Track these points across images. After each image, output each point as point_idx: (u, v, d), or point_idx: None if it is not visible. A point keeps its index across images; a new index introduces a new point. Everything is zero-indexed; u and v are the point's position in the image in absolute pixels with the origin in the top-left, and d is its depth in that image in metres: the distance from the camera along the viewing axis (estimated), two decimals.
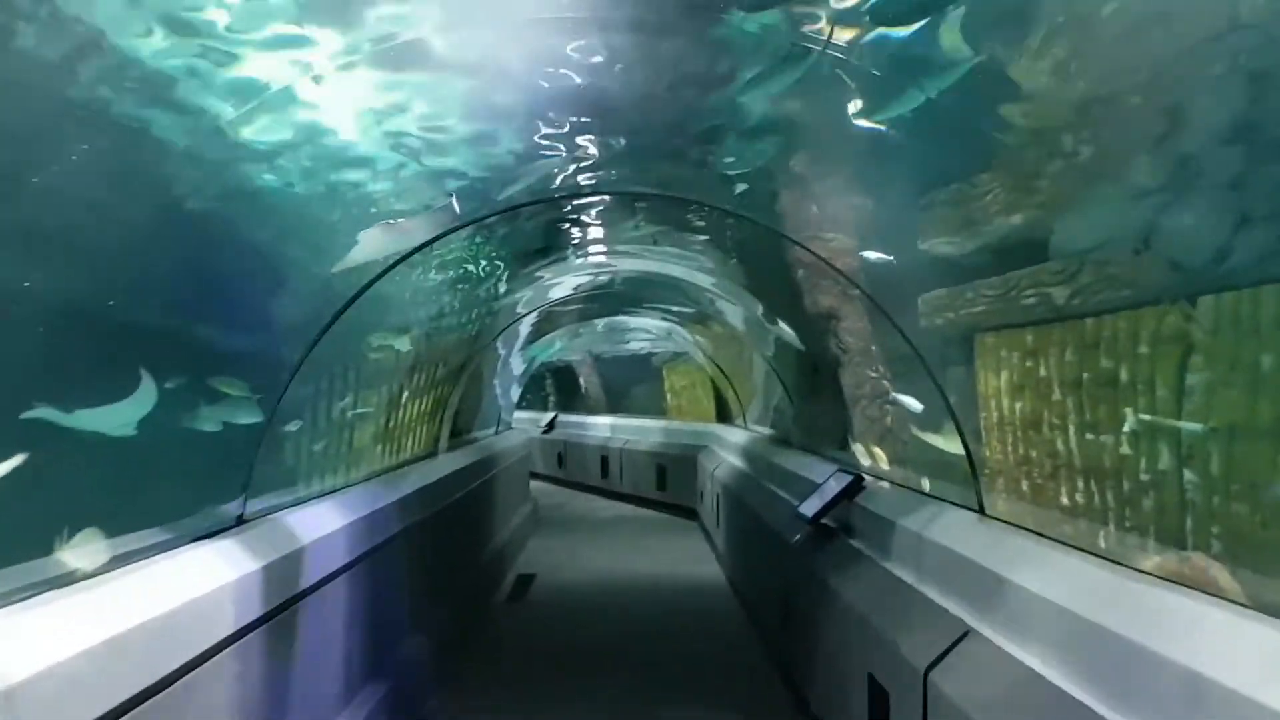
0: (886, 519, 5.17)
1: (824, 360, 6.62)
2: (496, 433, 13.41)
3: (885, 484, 5.74)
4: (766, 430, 11.18)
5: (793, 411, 9.16)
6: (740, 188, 4.98)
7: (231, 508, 4.54)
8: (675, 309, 12.14)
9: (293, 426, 5.16)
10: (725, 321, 11.06)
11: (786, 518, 7.27)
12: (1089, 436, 3.80)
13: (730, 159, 4.68)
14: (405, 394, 7.78)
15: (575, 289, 11.04)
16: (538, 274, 8.89)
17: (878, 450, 6.02)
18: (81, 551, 3.40)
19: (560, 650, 8.04)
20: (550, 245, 7.82)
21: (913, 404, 4.97)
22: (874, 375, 5.78)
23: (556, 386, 21.47)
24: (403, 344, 6.25)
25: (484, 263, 7.12)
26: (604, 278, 10.30)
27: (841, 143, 4.35)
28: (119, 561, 3.52)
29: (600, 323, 14.95)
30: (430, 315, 7.21)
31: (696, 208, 5.93)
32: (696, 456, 14.45)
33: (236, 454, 4.56)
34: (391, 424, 7.70)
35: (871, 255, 4.81)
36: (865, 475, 5.94)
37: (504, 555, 11.25)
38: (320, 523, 5.14)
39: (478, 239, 6.35)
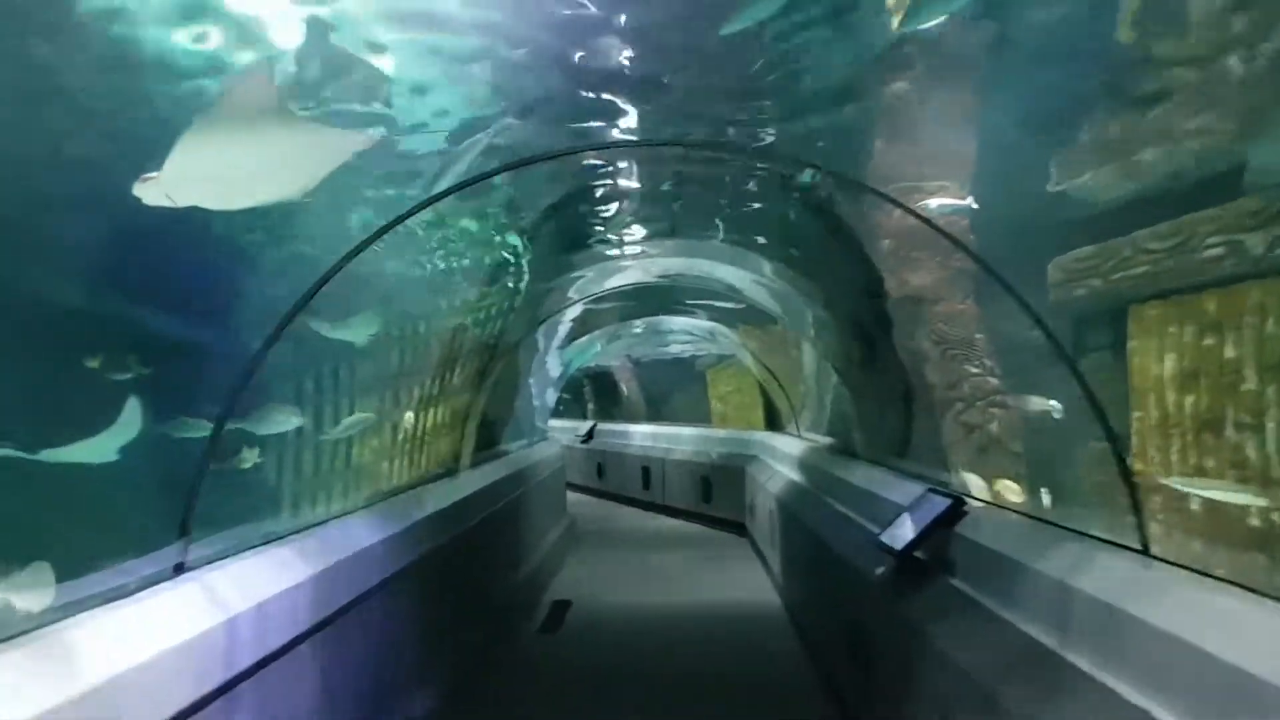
0: (1005, 557, 4.04)
1: (905, 356, 5.49)
2: (530, 444, 12.41)
3: (995, 510, 4.59)
4: (824, 439, 10.03)
5: (857, 417, 8.02)
6: (816, 127, 3.86)
7: (165, 554, 3.55)
8: (719, 305, 11.10)
9: (254, 447, 4.17)
10: (776, 317, 9.98)
11: (858, 544, 6.15)
12: None
13: (805, 91, 3.58)
14: (418, 401, 6.78)
15: (610, 284, 10.06)
16: (568, 261, 7.87)
17: (980, 465, 4.88)
18: None
19: (597, 691, 6.98)
20: (580, 224, 6.78)
21: (1049, 407, 3.84)
22: (976, 371, 4.66)
23: (595, 393, 20.53)
24: (365, 333, 5.09)
25: (501, 241, 6.08)
26: (642, 268, 9.27)
27: (949, 59, 3.26)
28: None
29: (639, 323, 14.05)
30: (439, 308, 6.21)
31: (751, 168, 4.84)
32: (745, 468, 13.35)
33: (170, 480, 3.57)
34: (401, 438, 6.72)
35: (985, 207, 3.69)
36: (966, 498, 4.80)
37: (537, 580, 10.23)
38: (289, 567, 4.13)
39: (492, 211, 5.32)
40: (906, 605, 4.89)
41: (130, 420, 3.30)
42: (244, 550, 4.06)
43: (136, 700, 2.75)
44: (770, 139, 3.98)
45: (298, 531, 4.68)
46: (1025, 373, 4.37)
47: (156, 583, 3.42)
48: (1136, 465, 3.59)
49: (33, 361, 3.06)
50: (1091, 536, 3.74)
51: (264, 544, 4.26)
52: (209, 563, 3.77)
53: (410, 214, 4.23)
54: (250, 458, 4.60)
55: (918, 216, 3.78)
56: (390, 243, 4.30)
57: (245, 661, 3.42)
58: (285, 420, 4.73)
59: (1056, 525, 4.04)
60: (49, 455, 3.08)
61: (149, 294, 3.41)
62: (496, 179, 5.04)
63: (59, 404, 3.24)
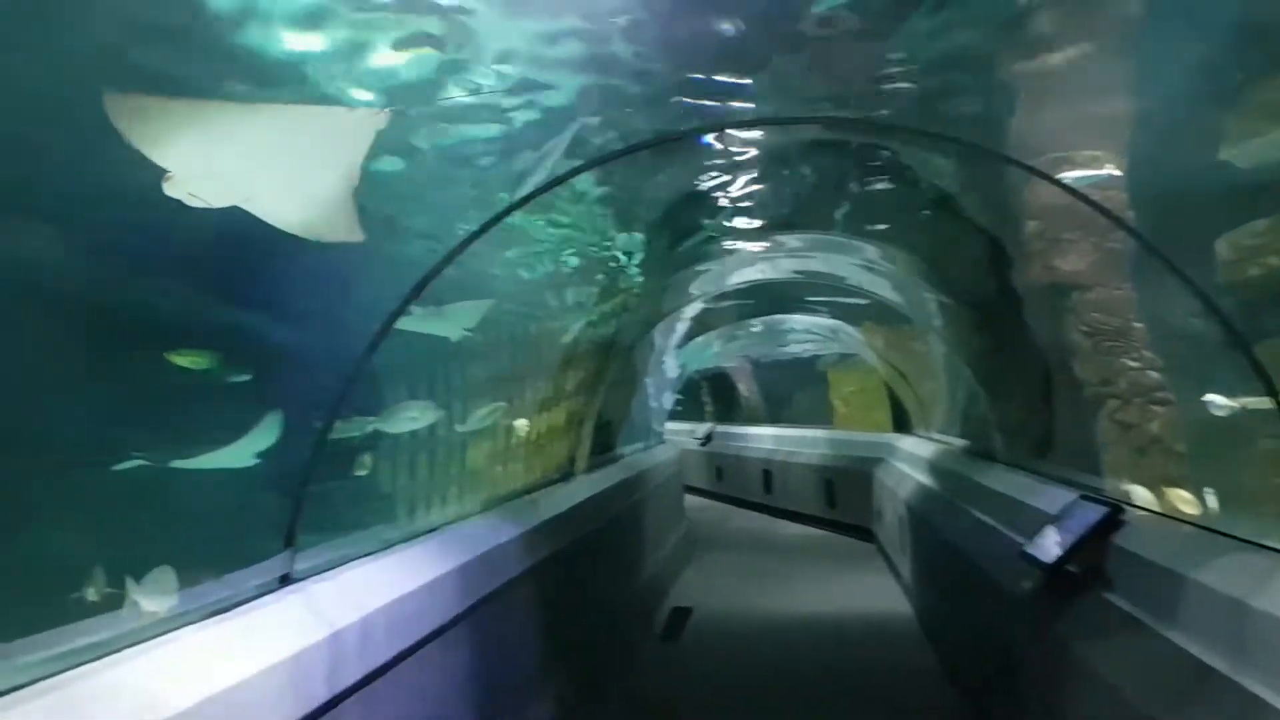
0: (1170, 571, 3.58)
1: (1053, 349, 5.02)
2: (646, 447, 12.23)
3: (1158, 518, 4.11)
4: (957, 440, 9.48)
5: (995, 417, 7.50)
6: (951, 95, 3.50)
7: (270, 565, 3.48)
8: (841, 302, 10.68)
9: (365, 450, 4.10)
10: (902, 312, 9.49)
11: (1000, 555, 5.69)
12: None
13: (935, 53, 3.23)
14: (531, 404, 6.68)
15: (729, 282, 9.80)
16: (684, 257, 7.64)
17: (1139, 469, 4.40)
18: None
19: (720, 703, 6.72)
20: (696, 220, 6.54)
21: (1236, 406, 3.38)
22: (1134, 365, 4.19)
23: (713, 395, 20.23)
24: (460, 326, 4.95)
25: (614, 238, 5.89)
26: (761, 264, 8.98)
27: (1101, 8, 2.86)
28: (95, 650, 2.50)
29: (757, 322, 13.70)
30: (550, 307, 6.07)
31: (872, 153, 4.50)
32: (871, 471, 12.83)
33: (270, 488, 3.51)
34: (515, 441, 6.62)
35: (1145, 178, 3.26)
36: (1124, 505, 4.32)
37: (656, 586, 10.04)
38: (400, 576, 4.03)
39: (598, 203, 5.13)
40: (1058, 622, 4.45)
41: (269, 426, 3.30)
42: (354, 559, 3.98)
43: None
44: (898, 109, 3.64)
45: (410, 538, 4.60)
46: (1191, 365, 3.89)
47: (262, 595, 3.35)
48: None
49: (148, 368, 3.04)
50: (1269, 548, 3.27)
51: (375, 552, 4.18)
52: (318, 573, 3.70)
53: (517, 206, 4.06)
54: (366, 464, 4.54)
55: (1069, 190, 3.36)
56: (495, 239, 4.15)
57: (351, 678, 3.31)
58: (417, 417, 4.64)
59: (1229, 536, 3.56)
60: (188, 463, 3.08)
61: (255, 299, 3.37)
62: (605, 173, 4.87)
63: (173, 411, 3.21)
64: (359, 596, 3.68)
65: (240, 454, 3.36)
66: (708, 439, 19.48)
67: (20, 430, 2.48)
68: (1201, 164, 2.89)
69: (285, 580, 3.55)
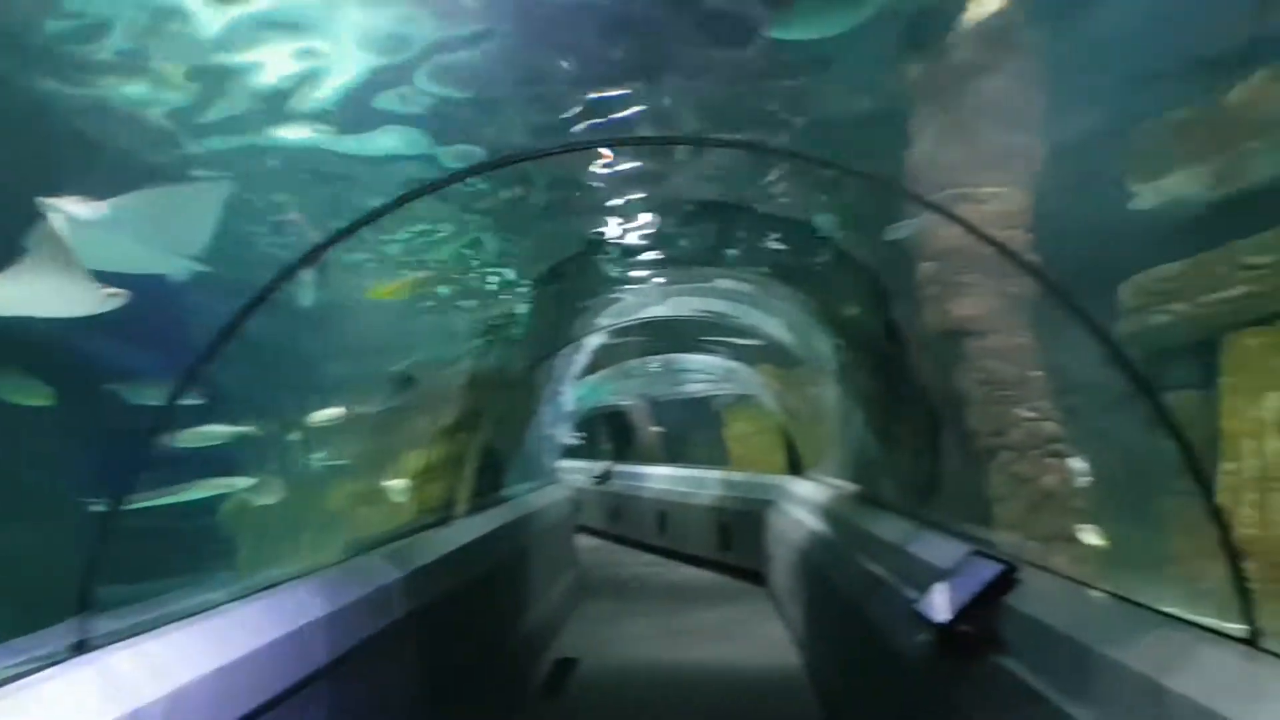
0: (1072, 639, 3.36)
1: (945, 396, 4.85)
2: (537, 487, 11.77)
3: (1057, 579, 3.92)
4: (850, 485, 9.34)
5: (886, 463, 7.35)
6: (844, 122, 3.28)
7: (62, 631, 2.96)
8: (737, 342, 10.55)
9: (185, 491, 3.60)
10: (796, 354, 9.38)
11: (889, 608, 5.47)
12: None
13: (829, 73, 3.00)
14: (401, 442, 6.22)
15: (624, 318, 9.56)
16: (576, 291, 7.36)
17: (1034, 525, 4.22)
18: None
19: None
20: (589, 247, 6.26)
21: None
22: (1030, 416, 4.01)
23: (611, 433, 19.89)
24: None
25: (490, 269, 5.55)
26: (655, 302, 8.78)
27: (1004, 36, 2.67)
28: None
29: (656, 361, 13.52)
30: (423, 337, 5.66)
31: (768, 188, 4.28)
32: (764, 513, 12.64)
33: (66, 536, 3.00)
34: (382, 483, 6.14)
35: (1052, 216, 3.08)
36: (1018, 564, 4.12)
37: (540, 636, 9.55)
38: (221, 643, 3.52)
39: (473, 233, 4.77)
40: (954, 689, 4.21)
41: None
42: (174, 621, 3.46)
43: None
44: (791, 134, 3.41)
45: (248, 594, 4.08)
46: (1089, 416, 3.73)
47: (46, 666, 2.83)
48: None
49: None
50: (1179, 619, 3.08)
51: (201, 612, 3.66)
52: (125, 638, 3.18)
53: (375, 217, 3.64)
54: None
55: (971, 229, 3.16)
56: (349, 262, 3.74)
57: None
58: (215, 434, 4.17)
59: (1134, 603, 3.36)
60: None
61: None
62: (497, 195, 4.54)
63: None
64: (170, 666, 3.17)
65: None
66: (605, 477, 19.10)
67: None
68: (1109, 204, 2.72)
69: (80, 648, 3.03)
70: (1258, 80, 2.45)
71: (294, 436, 5.15)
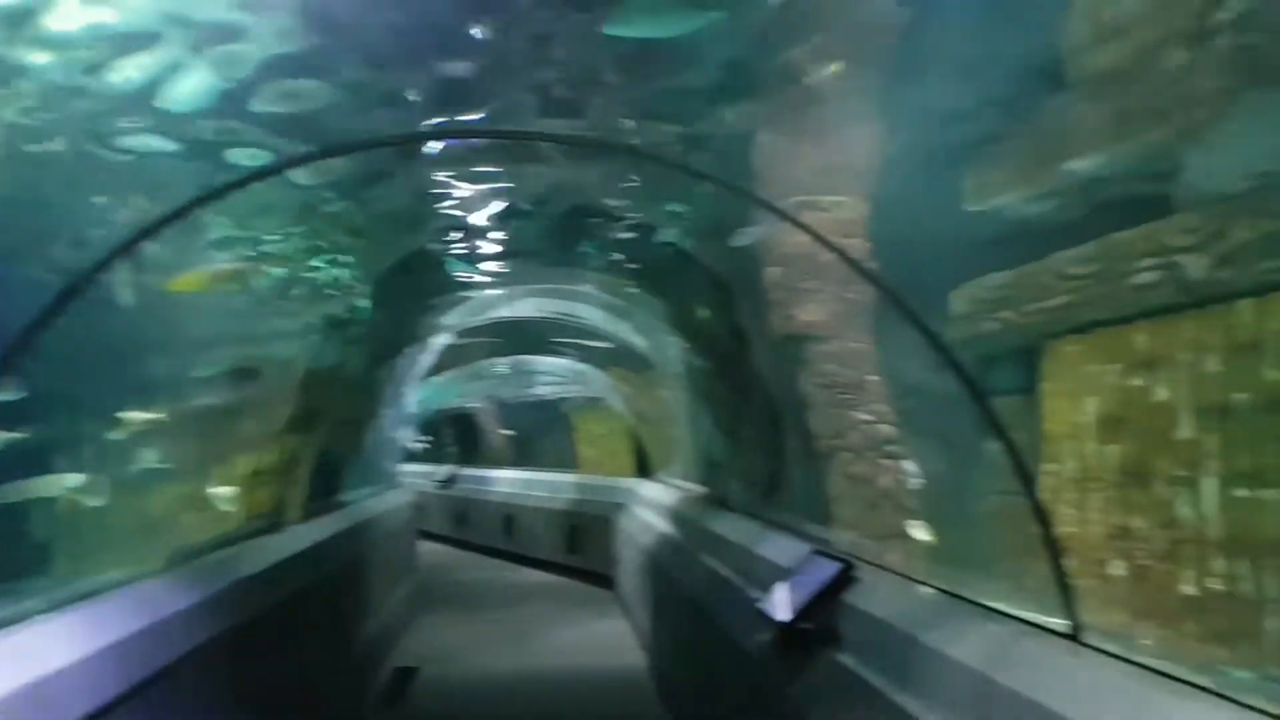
0: (904, 634, 3.47)
1: (787, 399, 4.94)
2: (376, 492, 11.36)
3: (890, 576, 4.04)
4: (697, 487, 9.45)
5: (732, 465, 7.47)
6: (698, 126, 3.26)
7: None
8: (587, 345, 10.52)
9: None
10: (646, 358, 9.42)
11: (733, 607, 5.54)
12: (1245, 496, 2.46)
13: (681, 76, 2.98)
14: (231, 445, 5.83)
15: (470, 319, 9.36)
16: (419, 288, 7.13)
17: (869, 524, 4.34)
18: None
19: None
20: (431, 250, 6.08)
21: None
22: (866, 419, 4.12)
23: (457, 436, 19.47)
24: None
25: (329, 262, 5.28)
26: (502, 303, 8.63)
27: (851, 37, 2.73)
28: None
29: (504, 363, 13.32)
30: (252, 333, 5.33)
31: (620, 192, 4.24)
32: (612, 517, 12.65)
33: None
34: (209, 488, 5.74)
35: (890, 227, 3.17)
36: (856, 561, 4.23)
37: (380, 645, 9.20)
38: (29, 659, 3.16)
39: (312, 224, 4.52)
40: (791, 684, 4.28)
41: None
42: None
43: None
44: (639, 137, 3.38)
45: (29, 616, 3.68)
46: (923, 420, 3.86)
47: None
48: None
49: None
50: (1003, 614, 3.21)
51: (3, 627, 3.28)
52: None
53: (200, 203, 3.37)
54: None
55: (816, 236, 3.20)
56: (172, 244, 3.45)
57: None
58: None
59: (963, 598, 3.49)
60: None
61: None
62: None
63: None
64: None
65: None
66: (449, 482, 18.69)
67: None
68: (948, 212, 2.81)
69: None
70: (1085, 106, 2.57)
71: (111, 437, 4.73)
